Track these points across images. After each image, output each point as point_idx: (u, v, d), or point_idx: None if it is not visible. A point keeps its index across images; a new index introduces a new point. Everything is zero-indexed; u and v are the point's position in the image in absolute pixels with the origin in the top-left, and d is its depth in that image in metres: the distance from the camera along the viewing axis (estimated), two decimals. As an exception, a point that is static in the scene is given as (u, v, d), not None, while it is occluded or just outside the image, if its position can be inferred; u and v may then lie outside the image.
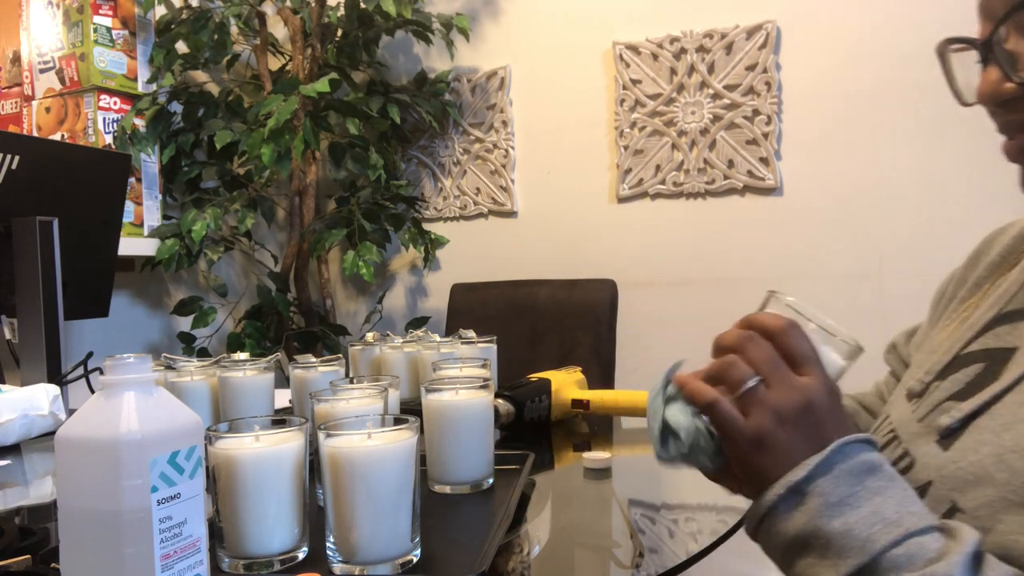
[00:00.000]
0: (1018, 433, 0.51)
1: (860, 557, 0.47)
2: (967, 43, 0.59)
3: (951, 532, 0.48)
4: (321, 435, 0.62)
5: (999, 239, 0.69)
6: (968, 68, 0.59)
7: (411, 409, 0.84)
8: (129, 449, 0.47)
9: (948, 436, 0.56)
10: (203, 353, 2.20)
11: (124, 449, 0.46)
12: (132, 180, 2.08)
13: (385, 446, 0.61)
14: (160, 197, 2.16)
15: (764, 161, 1.97)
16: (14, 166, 1.28)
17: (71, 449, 0.48)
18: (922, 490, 0.55)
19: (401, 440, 0.62)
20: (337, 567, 0.61)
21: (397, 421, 0.64)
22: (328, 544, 0.62)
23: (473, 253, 2.33)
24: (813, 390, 0.53)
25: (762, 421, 0.53)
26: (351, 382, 0.89)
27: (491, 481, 0.82)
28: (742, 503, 0.79)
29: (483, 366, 1.03)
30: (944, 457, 0.55)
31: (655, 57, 2.07)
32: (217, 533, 0.62)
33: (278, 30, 2.39)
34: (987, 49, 0.57)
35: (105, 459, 0.46)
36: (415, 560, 0.62)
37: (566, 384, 1.22)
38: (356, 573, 0.60)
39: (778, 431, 0.52)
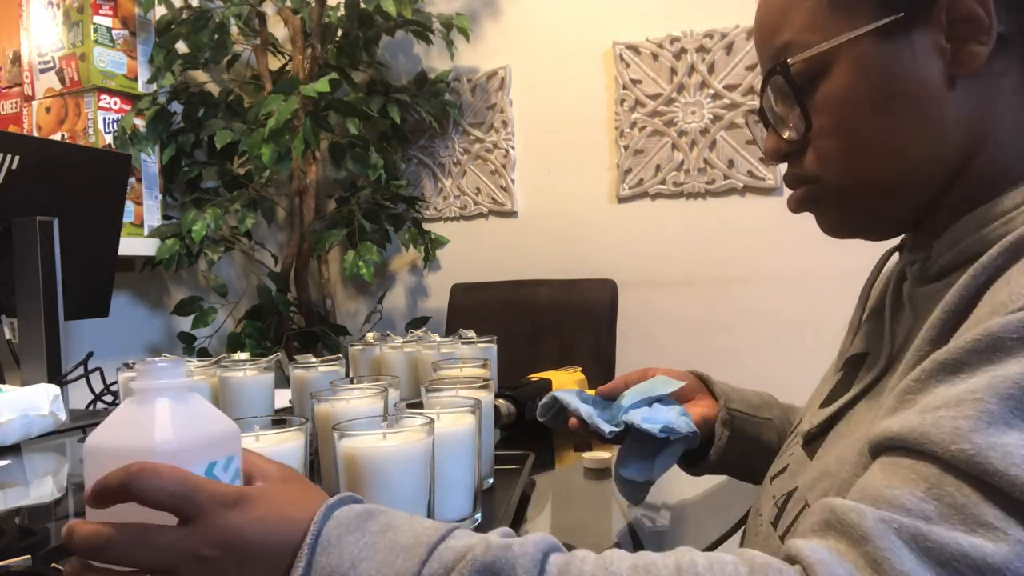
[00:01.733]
0: (860, 434, 0.53)
1: None
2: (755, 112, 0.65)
3: (472, 535, 0.46)
4: (335, 435, 0.62)
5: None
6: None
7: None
8: (164, 460, 0.43)
9: (811, 441, 0.60)
10: (203, 353, 2.20)
11: (159, 460, 0.43)
12: (132, 180, 2.08)
13: (403, 446, 0.61)
14: (160, 197, 2.16)
15: (764, 161, 1.97)
16: (14, 166, 1.28)
17: (101, 459, 0.44)
18: (788, 495, 0.59)
19: (418, 440, 0.62)
20: None
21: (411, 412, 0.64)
22: None
23: (473, 253, 2.33)
24: (217, 529, 0.44)
25: None
26: (351, 382, 0.89)
27: (490, 481, 0.82)
28: (742, 503, 0.80)
29: (483, 366, 1.03)
30: (808, 465, 0.59)
31: (655, 57, 2.07)
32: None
33: (278, 30, 2.39)
34: (762, 115, 0.63)
35: None
36: None
37: (567, 384, 1.22)
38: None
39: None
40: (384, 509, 0.48)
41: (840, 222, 0.62)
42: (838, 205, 0.61)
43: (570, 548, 0.47)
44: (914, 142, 0.55)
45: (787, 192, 0.65)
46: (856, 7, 0.56)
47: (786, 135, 0.61)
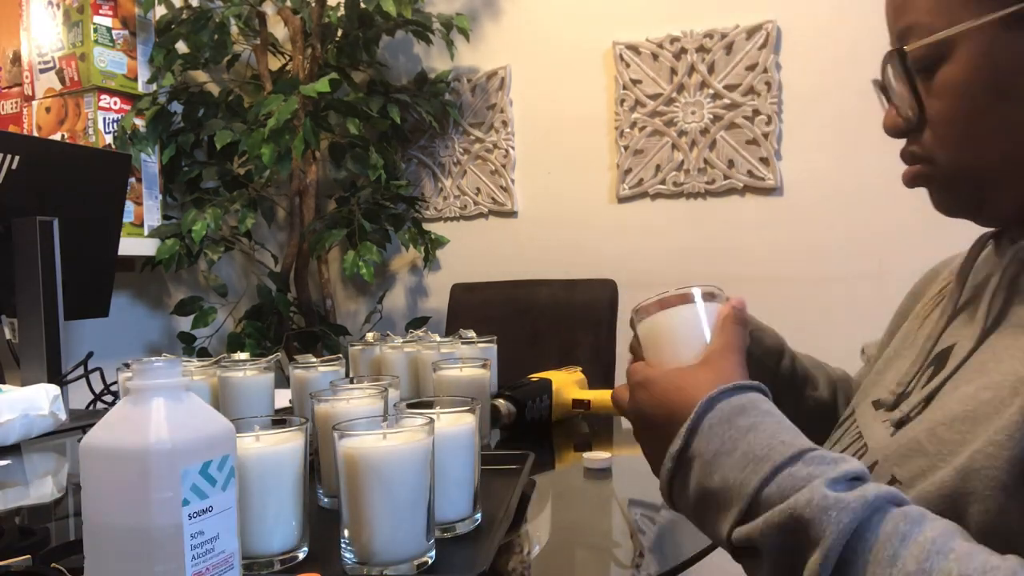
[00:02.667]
0: (947, 408, 0.54)
1: (739, 503, 0.49)
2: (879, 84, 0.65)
3: (824, 459, 0.49)
4: (335, 435, 0.62)
5: (949, 265, 0.74)
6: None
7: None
8: (159, 459, 0.44)
9: (901, 426, 0.60)
10: (203, 353, 2.20)
11: (153, 459, 0.44)
12: (132, 180, 2.08)
13: (403, 446, 0.61)
14: (160, 197, 2.16)
15: (764, 161, 1.97)
16: (14, 166, 1.28)
17: (97, 459, 0.45)
18: (870, 470, 0.58)
19: (418, 440, 0.62)
20: (353, 569, 0.61)
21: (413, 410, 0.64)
22: (343, 546, 0.62)
23: (473, 253, 2.33)
24: (642, 403, 0.59)
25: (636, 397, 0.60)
26: (351, 382, 0.89)
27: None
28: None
29: (483, 366, 1.03)
30: (890, 440, 0.59)
31: (655, 57, 2.07)
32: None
33: (278, 30, 2.39)
34: (883, 90, 0.64)
35: (133, 470, 0.44)
36: (430, 561, 0.62)
37: (567, 384, 1.22)
38: (374, 574, 0.60)
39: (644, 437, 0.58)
40: (758, 404, 0.53)
41: (950, 203, 0.62)
42: (949, 187, 0.61)
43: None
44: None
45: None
46: None
47: (905, 114, 0.61)
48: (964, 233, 0.64)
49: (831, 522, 0.44)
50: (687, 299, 0.63)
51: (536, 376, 1.22)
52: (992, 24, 0.55)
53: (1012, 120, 0.56)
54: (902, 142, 0.63)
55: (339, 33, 2.24)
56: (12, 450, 1.10)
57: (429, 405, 0.74)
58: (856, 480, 0.47)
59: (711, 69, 2.02)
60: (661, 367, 0.60)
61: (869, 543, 0.44)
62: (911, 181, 0.64)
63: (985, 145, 0.57)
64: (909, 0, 0.60)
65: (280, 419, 0.67)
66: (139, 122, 2.09)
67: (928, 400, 0.58)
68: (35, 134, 2.08)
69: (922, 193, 0.64)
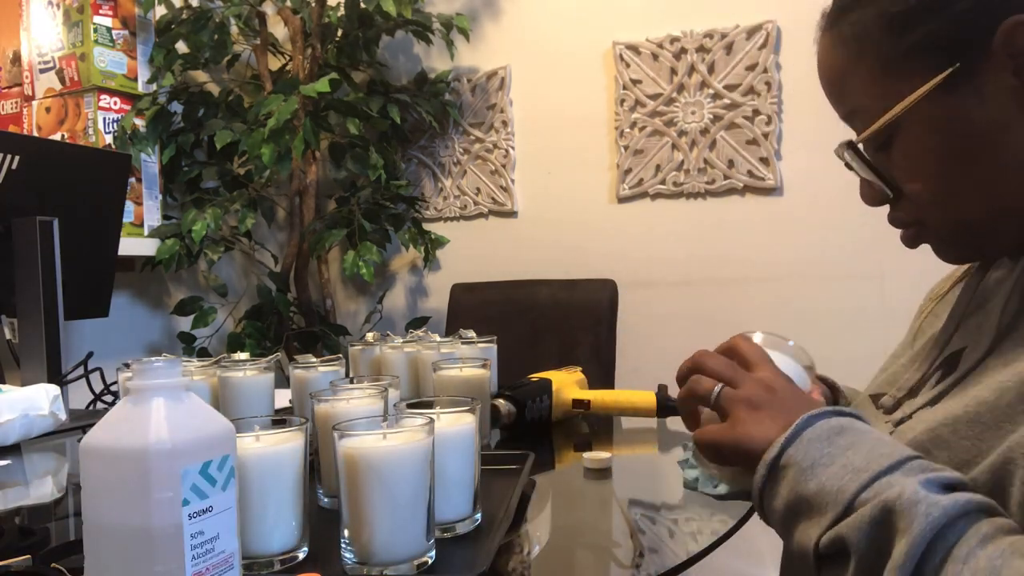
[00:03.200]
0: (947, 408, 0.54)
1: (835, 508, 0.49)
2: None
3: (924, 466, 0.49)
4: (335, 435, 0.61)
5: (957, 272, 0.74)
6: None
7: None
8: (159, 459, 0.44)
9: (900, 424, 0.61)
10: (203, 353, 2.20)
11: (153, 459, 0.44)
12: (132, 180, 2.08)
13: (403, 446, 0.61)
14: (160, 197, 2.16)
15: (764, 161, 1.97)
16: (14, 166, 1.28)
17: (97, 459, 0.45)
18: None
19: (418, 440, 0.62)
20: (353, 569, 0.61)
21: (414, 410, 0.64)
22: (343, 546, 0.62)
23: (473, 253, 2.33)
24: (770, 379, 0.59)
25: (736, 414, 0.57)
26: (351, 382, 0.89)
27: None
28: (742, 503, 0.80)
29: (483, 366, 1.03)
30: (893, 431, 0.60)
31: (655, 57, 2.07)
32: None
33: (278, 30, 2.39)
34: (850, 167, 0.64)
35: (133, 470, 0.44)
36: (430, 561, 0.62)
37: (567, 384, 1.22)
38: (374, 574, 0.60)
39: (750, 419, 0.56)
40: (856, 427, 0.53)
41: (955, 255, 0.63)
42: (948, 242, 0.62)
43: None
44: (1004, 177, 0.55)
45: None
46: (911, 66, 0.56)
47: (876, 190, 0.62)
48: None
49: (920, 514, 0.45)
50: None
51: (536, 376, 1.22)
52: (931, 94, 0.55)
53: (983, 175, 0.56)
54: None
55: (339, 33, 2.24)
56: (12, 450, 1.10)
57: (429, 405, 0.74)
58: (953, 488, 0.47)
59: (711, 69, 2.02)
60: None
61: (950, 541, 0.44)
62: (912, 242, 0.64)
63: (967, 201, 0.57)
64: (843, 88, 0.60)
65: (280, 419, 0.67)
66: (139, 122, 2.09)
67: (933, 403, 0.58)
68: (35, 134, 2.08)
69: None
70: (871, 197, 0.63)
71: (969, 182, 0.56)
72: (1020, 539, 0.43)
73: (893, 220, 0.64)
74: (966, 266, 0.73)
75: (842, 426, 0.53)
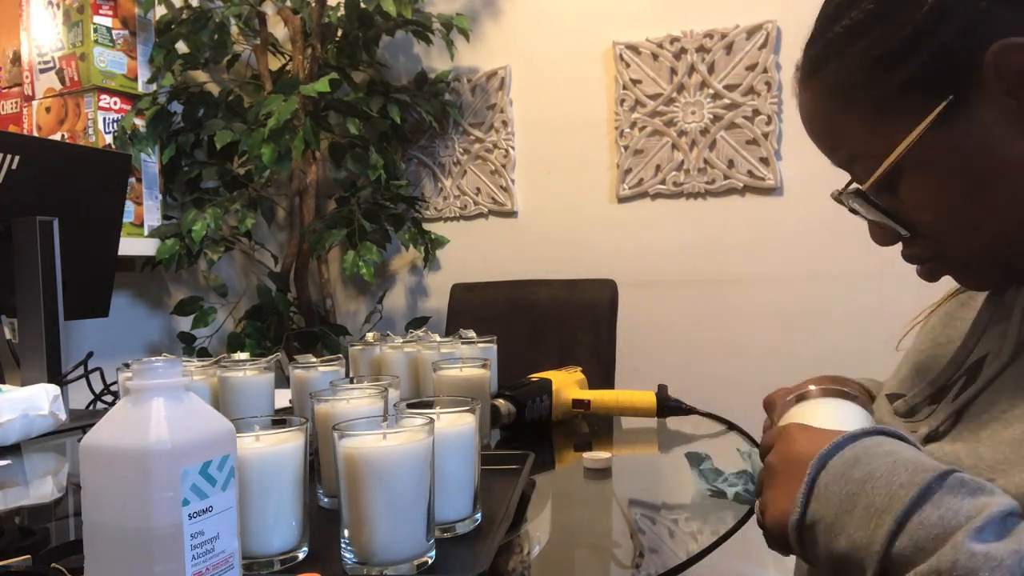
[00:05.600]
0: (992, 429, 0.53)
1: (872, 566, 0.46)
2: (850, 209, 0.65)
3: (960, 488, 0.46)
4: (335, 435, 0.61)
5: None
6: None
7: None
8: (159, 459, 0.44)
9: (929, 441, 0.59)
10: (203, 353, 2.20)
11: (154, 459, 0.44)
12: (132, 180, 2.08)
13: (403, 446, 0.61)
14: (160, 197, 2.16)
15: (764, 161, 1.97)
16: (14, 166, 1.28)
17: (97, 459, 0.45)
18: None
19: (418, 440, 0.62)
20: (353, 569, 0.61)
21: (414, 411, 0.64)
22: (343, 545, 0.62)
23: (473, 253, 2.33)
24: (783, 446, 0.58)
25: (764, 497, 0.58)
26: (351, 382, 0.89)
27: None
28: (741, 505, 0.80)
29: (483, 366, 1.03)
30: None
31: (655, 57, 2.07)
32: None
33: (278, 30, 2.39)
34: (856, 213, 0.63)
35: (133, 470, 0.44)
36: (430, 561, 0.62)
37: (567, 384, 1.22)
38: (374, 574, 0.60)
39: (770, 495, 0.57)
40: (871, 448, 0.51)
41: (980, 282, 0.63)
42: (973, 269, 0.61)
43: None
44: (1018, 195, 0.54)
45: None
46: (904, 105, 0.55)
47: (887, 230, 0.61)
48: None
49: None
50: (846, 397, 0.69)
51: (536, 376, 1.22)
52: (928, 130, 0.54)
53: (995, 201, 0.55)
54: None
55: (339, 33, 2.24)
56: (12, 450, 1.10)
57: (429, 405, 0.74)
58: (1002, 521, 0.43)
59: (711, 69, 2.02)
60: None
61: None
62: (931, 276, 0.63)
63: (985, 226, 0.56)
64: (837, 136, 0.59)
65: (280, 419, 0.67)
66: (139, 122, 2.09)
67: (959, 413, 0.57)
68: (35, 134, 2.08)
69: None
70: (883, 238, 0.62)
71: (983, 208, 0.55)
72: None
73: (909, 257, 0.62)
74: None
75: (856, 456, 0.50)
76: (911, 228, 0.59)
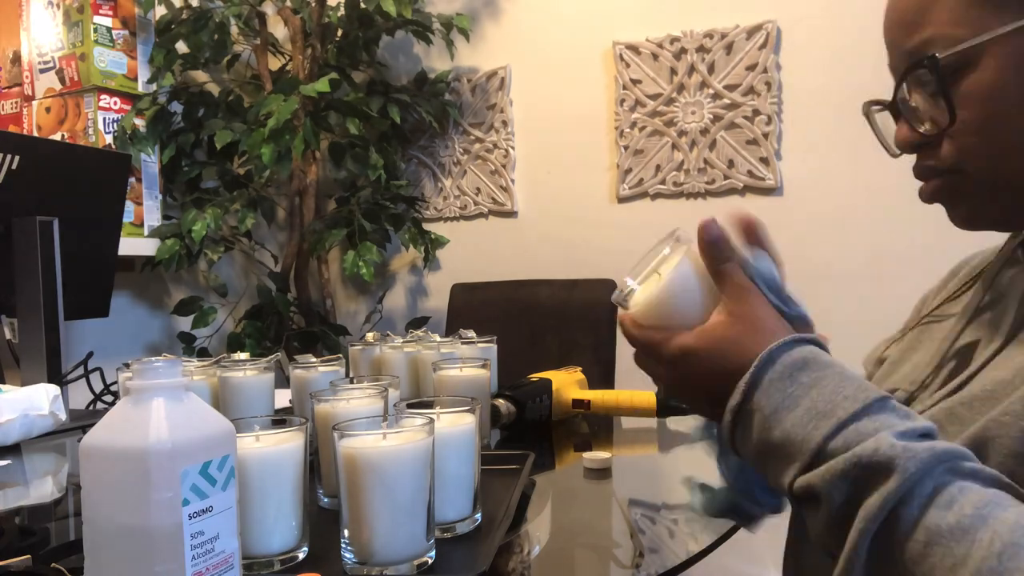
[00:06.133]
0: (967, 392, 0.54)
1: (802, 458, 0.49)
2: (882, 104, 0.65)
3: (895, 411, 0.49)
4: (335, 435, 0.62)
5: (970, 263, 0.73)
6: (890, 123, 0.65)
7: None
8: (159, 459, 0.44)
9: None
10: (203, 353, 2.20)
11: (153, 459, 0.44)
12: (132, 180, 2.08)
13: (403, 446, 0.61)
14: (160, 197, 2.16)
15: (764, 161, 1.97)
16: (14, 166, 1.28)
17: (97, 459, 0.45)
18: None
19: (418, 440, 0.62)
20: (353, 569, 0.61)
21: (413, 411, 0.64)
22: (343, 545, 0.62)
23: (473, 253, 2.33)
24: (679, 352, 0.59)
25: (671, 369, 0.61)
26: (351, 382, 0.89)
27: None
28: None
29: (483, 366, 1.03)
30: None
31: (655, 57, 2.07)
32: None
33: (278, 30, 2.39)
34: (895, 108, 0.62)
35: (133, 470, 0.44)
36: (430, 561, 0.62)
37: (567, 384, 1.22)
38: (374, 574, 0.60)
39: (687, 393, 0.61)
40: (820, 360, 0.53)
41: (977, 215, 0.61)
42: (978, 198, 0.60)
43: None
44: None
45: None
46: (1005, 1, 0.55)
47: (922, 128, 0.59)
48: (962, 233, 0.64)
49: (897, 468, 0.45)
50: (662, 261, 0.64)
51: (536, 376, 1.22)
52: (1019, 31, 0.54)
53: None
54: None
55: (339, 33, 2.24)
56: (12, 450, 1.10)
57: (429, 405, 0.74)
58: (925, 436, 0.48)
59: (711, 69, 2.02)
60: (680, 332, 0.60)
61: (928, 488, 0.44)
62: (931, 196, 0.62)
63: (1017, 152, 0.56)
64: (924, 15, 0.58)
65: (280, 419, 0.67)
66: (139, 122, 2.09)
67: (950, 396, 0.57)
68: (35, 134, 2.08)
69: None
70: (909, 139, 0.61)
71: None
72: (1003, 493, 0.44)
73: (922, 169, 0.61)
74: (967, 268, 0.72)
75: (805, 360, 0.53)
76: (949, 126, 0.57)
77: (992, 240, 0.68)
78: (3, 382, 1.36)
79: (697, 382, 0.59)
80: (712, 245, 0.61)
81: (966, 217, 0.61)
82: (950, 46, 0.56)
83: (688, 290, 0.61)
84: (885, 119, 0.65)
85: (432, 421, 0.63)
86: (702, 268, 0.62)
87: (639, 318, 0.63)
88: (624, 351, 1.91)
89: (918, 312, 0.77)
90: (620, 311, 0.66)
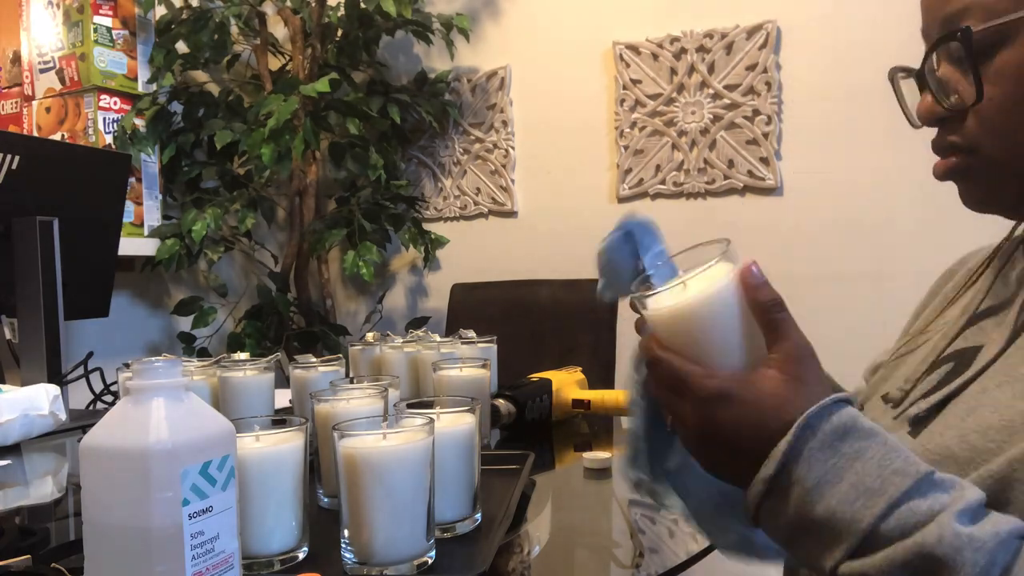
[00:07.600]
0: (979, 416, 0.52)
1: (850, 540, 0.47)
2: (909, 71, 0.63)
3: (942, 485, 0.47)
4: (335, 435, 0.62)
5: (969, 260, 0.72)
6: (915, 93, 0.62)
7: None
8: (159, 459, 0.44)
9: (917, 424, 0.58)
10: (203, 353, 2.20)
11: (153, 459, 0.44)
12: (132, 180, 2.08)
13: (403, 446, 0.61)
14: (160, 197, 2.16)
15: (764, 161, 1.97)
16: (14, 166, 1.28)
17: (97, 459, 0.45)
18: None
19: (418, 440, 0.62)
20: (353, 569, 0.61)
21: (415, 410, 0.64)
22: (343, 545, 0.62)
23: (473, 253, 2.33)
24: (711, 399, 0.53)
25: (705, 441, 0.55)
26: (351, 382, 0.89)
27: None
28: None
29: (483, 366, 1.03)
30: (912, 443, 0.56)
31: (655, 57, 2.07)
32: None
33: (278, 30, 2.39)
34: (921, 77, 0.60)
35: (133, 470, 0.44)
36: (430, 561, 0.62)
37: (567, 384, 1.22)
38: (374, 574, 0.60)
39: (718, 452, 0.55)
40: (861, 427, 0.49)
41: (990, 196, 0.60)
42: (994, 178, 0.58)
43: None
44: None
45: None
46: None
47: (947, 102, 0.58)
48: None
49: (965, 563, 0.43)
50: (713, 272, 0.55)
51: (536, 376, 1.22)
52: None
53: None
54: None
55: (339, 33, 2.24)
56: (12, 450, 1.10)
57: (429, 405, 0.74)
58: (977, 508, 0.46)
59: (711, 69, 2.02)
60: (711, 367, 0.54)
61: (996, 574, 0.43)
62: (946, 174, 0.60)
63: None
64: None
65: (280, 419, 0.67)
66: (139, 122, 2.09)
67: (948, 399, 0.57)
68: (35, 134, 2.08)
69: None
70: (932, 112, 0.59)
71: None
72: None
73: (940, 144, 0.60)
74: (963, 270, 0.72)
75: (845, 427, 0.49)
76: (974, 102, 0.56)
77: (992, 240, 0.68)
78: (3, 382, 1.36)
79: (725, 434, 0.53)
80: (765, 289, 0.56)
81: (978, 198, 0.60)
82: (988, 19, 0.54)
83: (730, 317, 0.54)
84: (911, 88, 0.63)
85: (432, 421, 0.63)
86: (743, 300, 0.55)
87: (663, 332, 0.57)
88: (624, 351, 1.91)
89: (916, 317, 0.76)
90: (640, 320, 0.60)
